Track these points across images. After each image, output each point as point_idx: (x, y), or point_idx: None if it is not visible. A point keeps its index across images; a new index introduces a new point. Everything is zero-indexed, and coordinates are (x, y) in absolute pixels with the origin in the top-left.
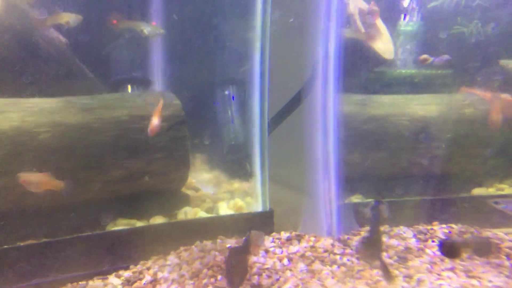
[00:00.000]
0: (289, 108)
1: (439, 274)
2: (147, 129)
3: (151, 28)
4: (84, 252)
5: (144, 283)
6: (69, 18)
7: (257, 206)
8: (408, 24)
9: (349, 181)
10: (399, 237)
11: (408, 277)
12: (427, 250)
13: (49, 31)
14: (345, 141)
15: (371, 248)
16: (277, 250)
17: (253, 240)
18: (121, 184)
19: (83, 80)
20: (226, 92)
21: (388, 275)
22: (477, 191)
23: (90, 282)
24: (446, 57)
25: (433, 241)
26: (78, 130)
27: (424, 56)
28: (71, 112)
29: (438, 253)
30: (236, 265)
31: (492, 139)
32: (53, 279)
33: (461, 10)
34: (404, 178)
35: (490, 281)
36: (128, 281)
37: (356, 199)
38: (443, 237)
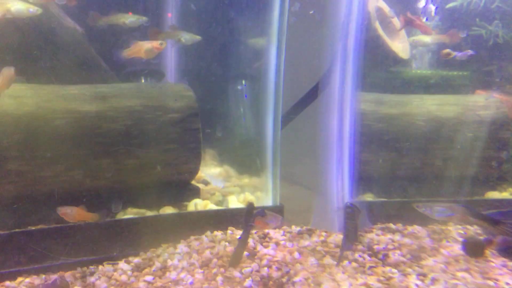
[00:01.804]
0: (303, 104)
1: (453, 274)
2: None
3: (189, 36)
4: (95, 238)
5: (154, 270)
6: (125, 19)
7: (267, 200)
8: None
9: (361, 180)
10: (413, 236)
11: (422, 275)
12: (442, 250)
13: (66, 20)
14: (358, 139)
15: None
16: (288, 243)
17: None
18: (132, 173)
19: (97, 70)
20: (239, 87)
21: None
22: (491, 195)
23: (100, 267)
24: (469, 52)
25: (447, 242)
26: (92, 117)
27: (447, 50)
28: (86, 99)
29: (453, 253)
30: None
31: (508, 142)
32: (63, 262)
33: (480, 12)
34: (417, 179)
35: (507, 284)
36: (138, 267)
37: (368, 197)
38: (458, 237)
